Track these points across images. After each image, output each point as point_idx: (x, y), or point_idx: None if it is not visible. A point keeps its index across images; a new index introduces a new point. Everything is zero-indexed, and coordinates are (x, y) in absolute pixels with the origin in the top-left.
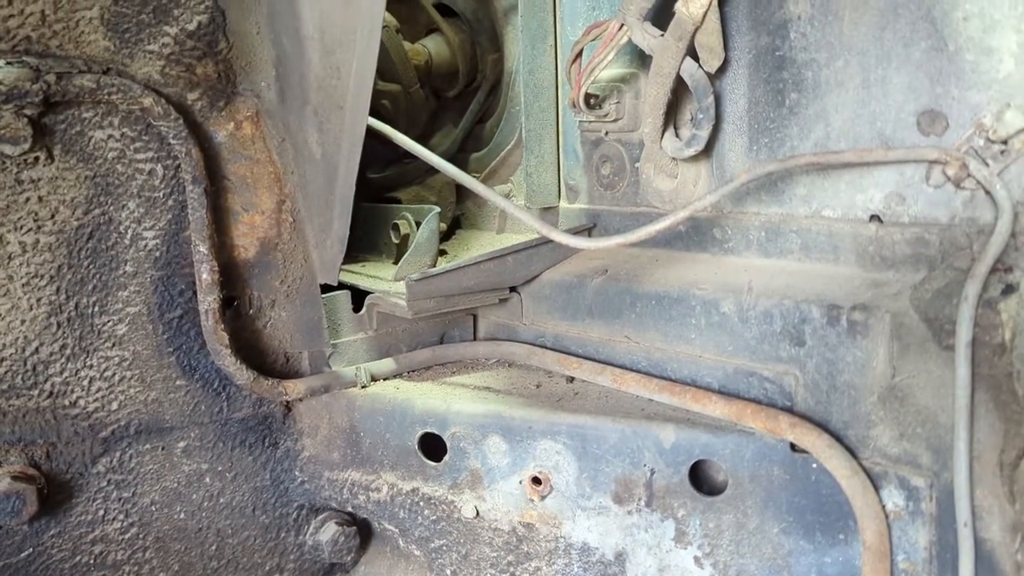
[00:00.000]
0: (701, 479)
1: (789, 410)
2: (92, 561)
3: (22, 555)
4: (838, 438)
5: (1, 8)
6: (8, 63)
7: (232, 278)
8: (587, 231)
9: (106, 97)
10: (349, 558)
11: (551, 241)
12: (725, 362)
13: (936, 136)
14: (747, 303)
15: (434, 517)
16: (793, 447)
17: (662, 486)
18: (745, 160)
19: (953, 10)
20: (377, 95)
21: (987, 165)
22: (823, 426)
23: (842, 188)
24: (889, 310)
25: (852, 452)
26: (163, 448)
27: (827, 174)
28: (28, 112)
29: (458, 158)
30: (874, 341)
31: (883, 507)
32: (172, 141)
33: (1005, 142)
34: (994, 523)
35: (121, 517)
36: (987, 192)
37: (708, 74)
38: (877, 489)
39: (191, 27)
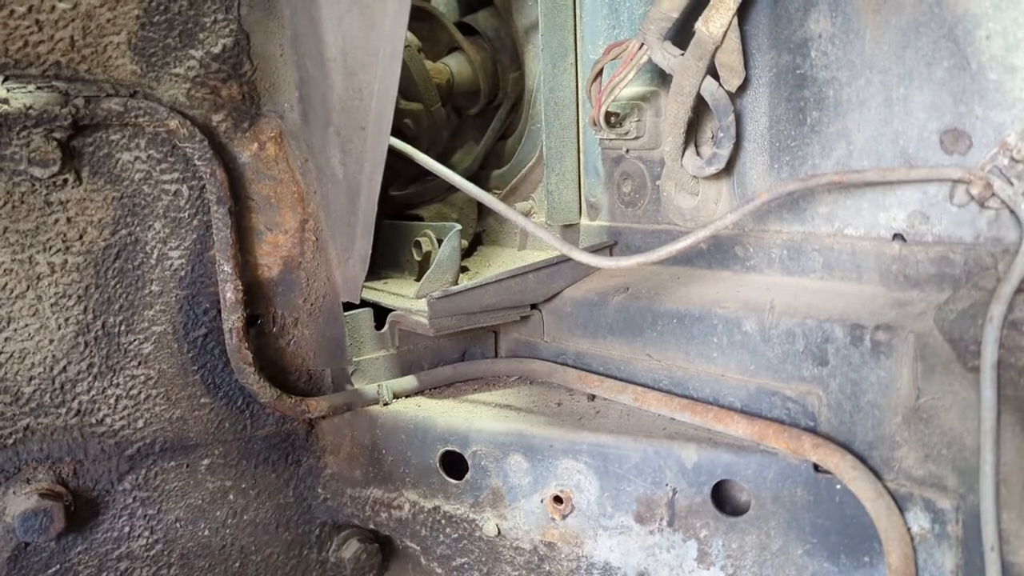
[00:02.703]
0: (724, 499)
1: (812, 430)
2: None
3: (49, 571)
4: (862, 459)
5: (32, 34)
6: (38, 87)
7: (256, 297)
8: (608, 248)
9: (133, 120)
10: (371, 575)
11: (572, 259)
12: (747, 381)
13: (960, 155)
14: (769, 322)
15: (456, 535)
16: (816, 468)
17: (684, 506)
18: (766, 178)
19: (976, 29)
20: (399, 114)
21: (1012, 184)
22: (847, 447)
23: (865, 206)
24: (913, 330)
25: (876, 473)
26: (188, 465)
27: (849, 192)
28: (57, 135)
29: (479, 175)
30: (898, 361)
31: (908, 530)
32: (197, 162)
33: None
34: (1022, 547)
35: (146, 534)
36: (1012, 212)
37: (729, 93)
38: (902, 511)
39: (216, 50)
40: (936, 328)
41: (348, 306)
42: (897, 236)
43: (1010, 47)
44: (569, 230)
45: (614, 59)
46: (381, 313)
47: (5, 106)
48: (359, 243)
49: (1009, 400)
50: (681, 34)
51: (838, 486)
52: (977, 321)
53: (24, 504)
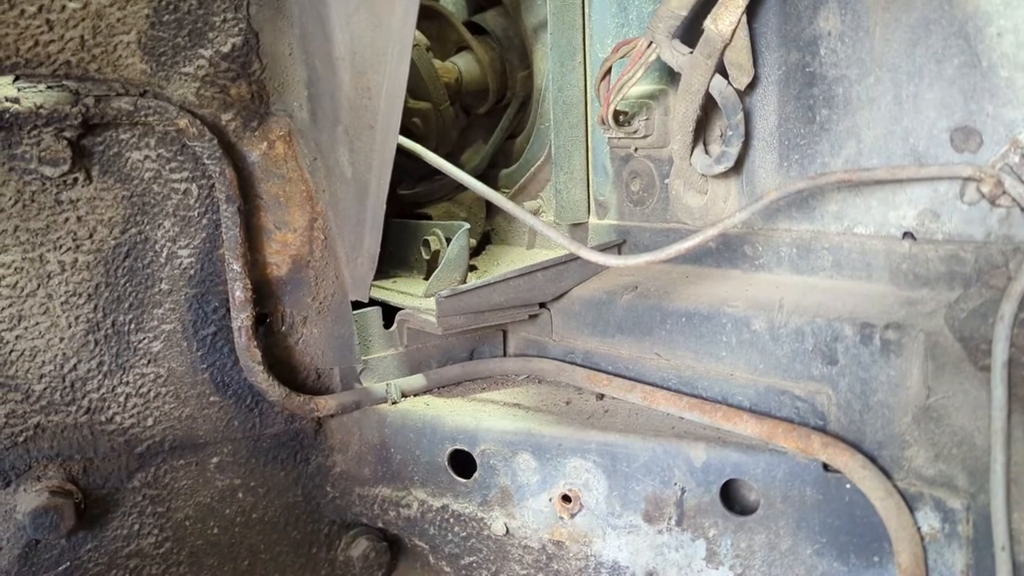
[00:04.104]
0: (732, 498)
1: (822, 430)
2: (128, 575)
3: (59, 569)
4: (872, 459)
5: (42, 34)
6: (49, 87)
7: (265, 295)
8: (617, 247)
9: (143, 119)
10: (380, 574)
11: (580, 257)
12: (756, 380)
13: (970, 153)
14: (778, 321)
15: (464, 534)
16: (826, 467)
17: (693, 505)
18: (775, 177)
19: (987, 26)
20: (408, 113)
21: (1022, 182)
22: (856, 446)
23: (874, 205)
24: (923, 329)
25: (886, 473)
26: (197, 464)
27: (859, 191)
28: (67, 134)
29: (488, 174)
30: (908, 360)
31: (918, 529)
32: (207, 161)
33: None
34: None
35: (156, 532)
36: (1023, 209)
37: (737, 91)
38: (912, 511)
39: (225, 49)
40: (946, 327)
41: (357, 305)
42: (907, 234)
43: (1021, 44)
44: (577, 229)
45: (622, 57)
46: (390, 312)
47: (16, 105)
48: (368, 242)
49: (1020, 399)
50: (690, 32)
51: (848, 485)
52: (988, 320)
53: (35, 501)
